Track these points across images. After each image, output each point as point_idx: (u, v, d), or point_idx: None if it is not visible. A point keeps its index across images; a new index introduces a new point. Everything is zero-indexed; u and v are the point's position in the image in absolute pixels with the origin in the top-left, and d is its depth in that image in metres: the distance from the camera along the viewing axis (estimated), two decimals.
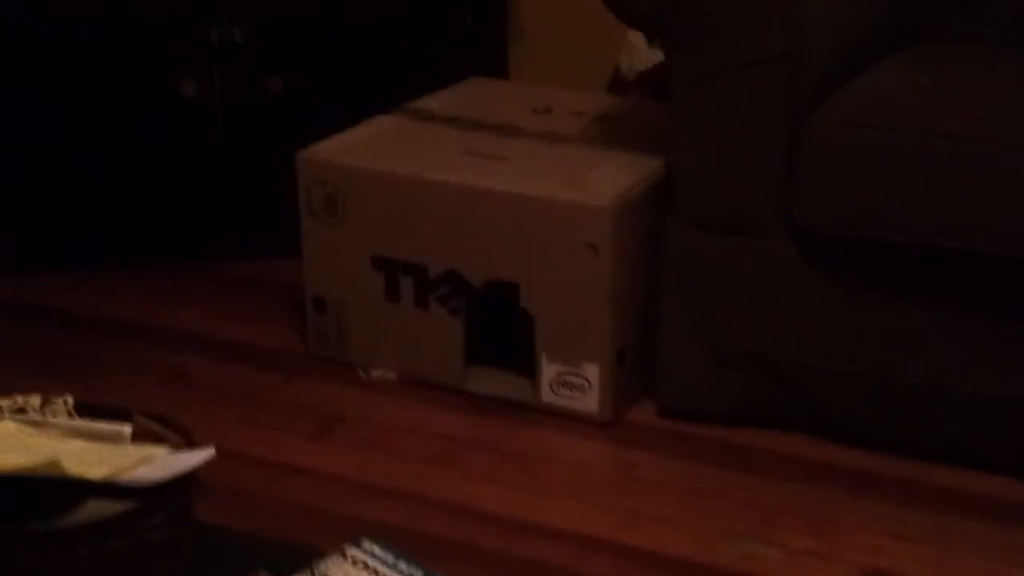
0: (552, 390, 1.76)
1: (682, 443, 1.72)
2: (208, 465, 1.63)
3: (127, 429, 0.96)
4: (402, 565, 0.92)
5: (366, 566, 0.92)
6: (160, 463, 0.90)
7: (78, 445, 0.93)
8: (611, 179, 1.73)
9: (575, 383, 1.75)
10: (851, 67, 1.69)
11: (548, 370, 1.76)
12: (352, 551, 0.93)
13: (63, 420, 0.96)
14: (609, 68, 2.39)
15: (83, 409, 0.97)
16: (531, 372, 1.77)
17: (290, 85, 2.19)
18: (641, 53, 2.29)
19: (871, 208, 1.56)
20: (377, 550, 0.93)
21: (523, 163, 1.80)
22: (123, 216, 2.23)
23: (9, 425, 0.96)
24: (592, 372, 1.73)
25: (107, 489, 0.87)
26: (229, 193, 2.24)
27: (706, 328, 1.70)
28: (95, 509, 0.86)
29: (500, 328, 1.80)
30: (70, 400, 0.99)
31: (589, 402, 1.75)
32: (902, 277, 1.60)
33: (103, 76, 2.15)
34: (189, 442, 0.93)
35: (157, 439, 0.95)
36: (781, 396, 1.70)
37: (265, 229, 2.22)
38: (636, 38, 2.29)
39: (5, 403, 0.98)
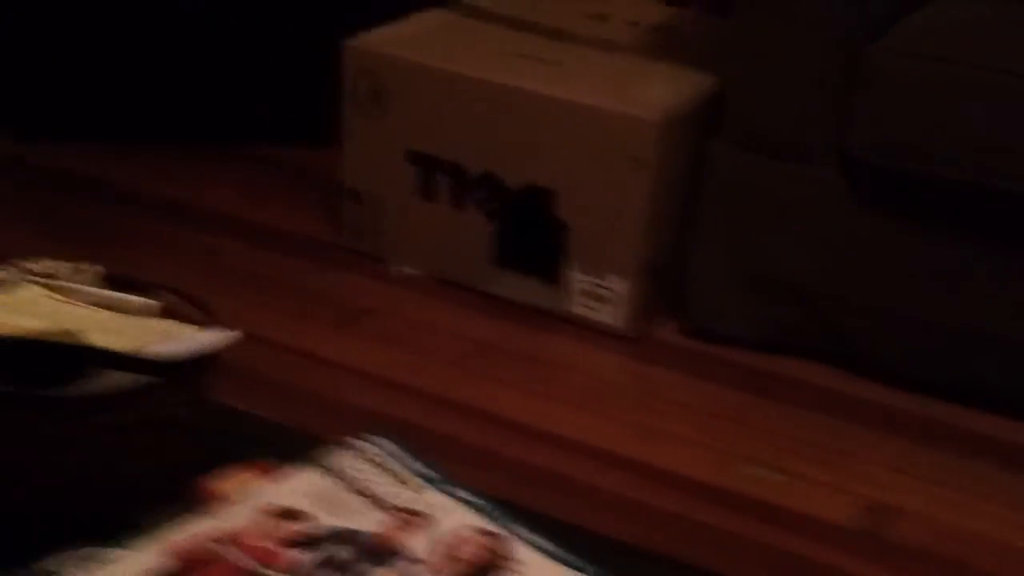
0: (579, 300, 1.75)
1: (705, 364, 1.71)
2: (230, 347, 1.66)
3: (156, 304, 0.95)
4: (409, 460, 0.92)
5: (372, 458, 0.91)
6: (183, 341, 0.90)
7: (103, 315, 0.93)
8: (661, 93, 1.70)
9: (602, 295, 1.73)
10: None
11: (576, 280, 1.74)
12: (360, 442, 0.92)
13: (91, 289, 0.96)
14: None
15: (113, 280, 0.97)
16: (559, 281, 1.76)
17: None
18: None
19: (924, 142, 1.52)
20: (385, 443, 0.92)
21: (572, 69, 1.77)
22: (166, 90, 2.21)
23: (35, 289, 0.95)
24: (620, 285, 1.71)
25: (127, 361, 0.87)
26: (274, 76, 2.22)
27: (742, 251, 1.68)
28: (113, 380, 0.86)
29: (532, 234, 1.78)
30: (101, 270, 0.98)
31: (614, 315, 1.73)
32: (949, 215, 1.57)
33: None
34: (215, 323, 0.93)
35: (183, 317, 0.94)
36: (811, 326, 1.68)
37: (308, 116, 2.20)
38: None
39: (35, 267, 0.97)
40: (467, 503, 0.88)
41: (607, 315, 1.74)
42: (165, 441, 0.89)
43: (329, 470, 0.88)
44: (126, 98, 2.22)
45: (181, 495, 0.87)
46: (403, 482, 0.88)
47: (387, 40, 1.84)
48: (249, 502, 0.87)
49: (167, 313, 0.94)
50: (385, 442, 0.92)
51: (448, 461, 1.47)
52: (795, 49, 1.59)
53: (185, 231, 1.98)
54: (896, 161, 1.54)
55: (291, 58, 2.20)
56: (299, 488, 0.88)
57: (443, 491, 0.89)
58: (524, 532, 0.86)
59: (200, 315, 0.93)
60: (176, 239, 1.95)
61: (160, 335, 0.89)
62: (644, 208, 1.67)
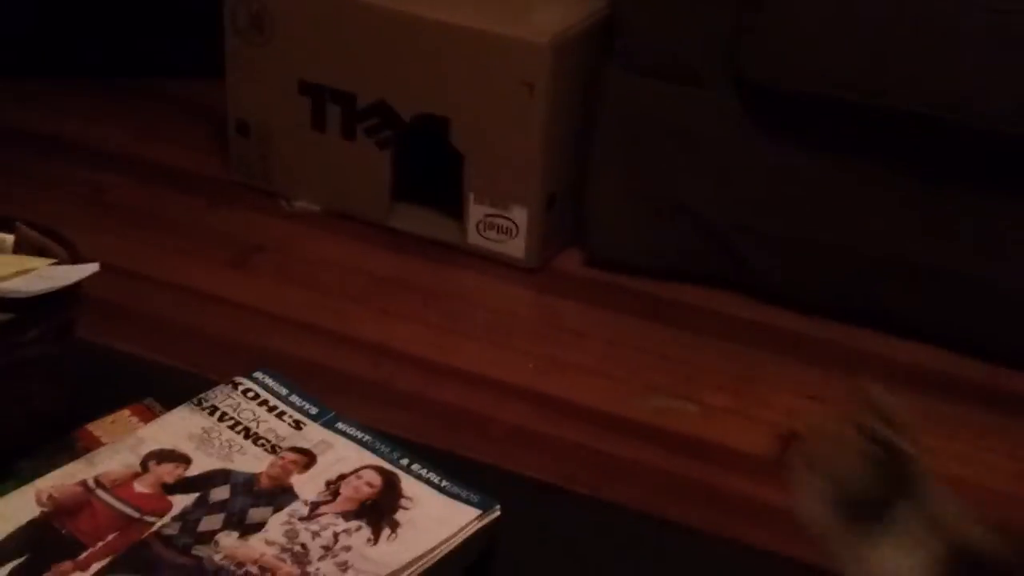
0: (479, 232, 1.72)
1: (608, 294, 1.69)
2: (111, 286, 1.59)
3: (8, 238, 0.89)
4: (295, 398, 0.88)
5: (256, 396, 0.87)
6: (39, 276, 0.84)
7: None
8: (554, 16, 1.65)
9: (502, 225, 1.70)
10: None
11: (475, 211, 1.70)
12: (244, 382, 0.88)
13: None
14: None
15: None
16: (458, 213, 1.72)
17: None
18: None
19: (817, 62, 1.50)
20: (270, 381, 0.89)
21: None
22: (48, 24, 2.12)
23: None
24: (520, 215, 1.68)
25: None
26: (160, 6, 2.13)
27: (641, 179, 1.66)
28: None
29: (428, 165, 1.74)
30: None
31: (515, 246, 1.70)
32: (848, 139, 1.56)
33: None
34: (74, 256, 0.87)
35: (40, 251, 0.88)
36: (714, 253, 1.67)
37: (196, 47, 2.11)
38: None
39: None
40: (354, 439, 0.85)
41: (508, 246, 1.71)
42: (31, 383, 0.84)
43: (211, 410, 0.85)
44: (7, 35, 2.11)
45: (54, 438, 0.83)
46: (288, 420, 0.85)
47: None
48: (125, 445, 0.83)
49: (24, 247, 0.88)
50: (269, 379, 0.88)
51: (346, 398, 1.42)
52: None
53: (69, 167, 1.90)
54: (791, 83, 1.52)
55: None
56: (179, 430, 0.84)
57: (329, 427, 0.86)
58: (413, 467, 0.83)
59: (59, 249, 0.88)
60: (59, 176, 1.88)
61: (15, 271, 0.84)
62: (539, 135, 1.64)
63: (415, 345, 1.55)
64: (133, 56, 2.15)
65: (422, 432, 1.39)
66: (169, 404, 0.87)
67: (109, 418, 0.88)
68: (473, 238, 1.72)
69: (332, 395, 1.42)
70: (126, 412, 0.89)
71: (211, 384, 0.88)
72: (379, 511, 0.80)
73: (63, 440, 0.85)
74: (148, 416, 0.88)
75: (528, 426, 1.43)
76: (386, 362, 1.52)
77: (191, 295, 1.62)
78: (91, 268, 0.85)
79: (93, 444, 0.85)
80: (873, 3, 1.46)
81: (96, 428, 0.86)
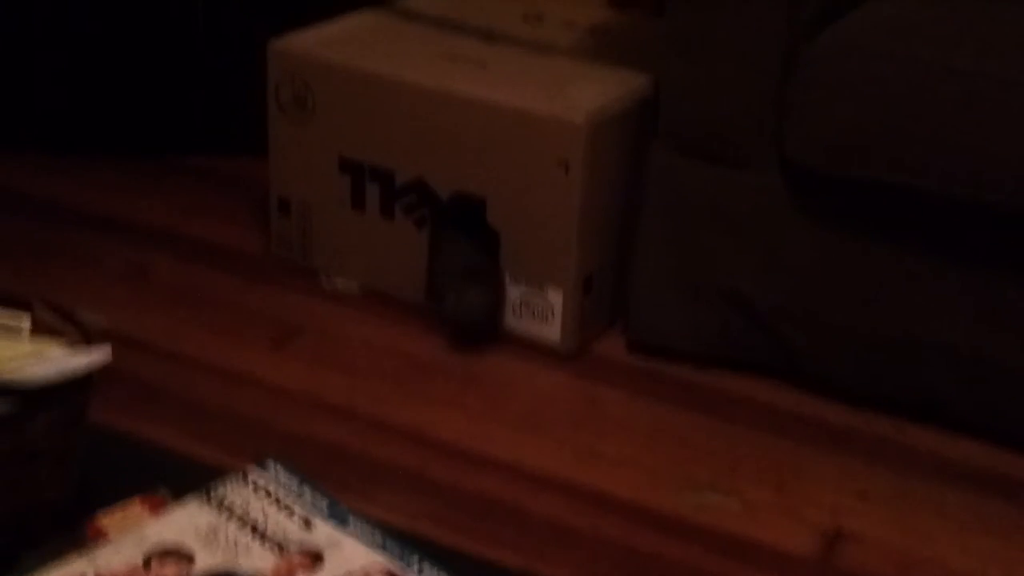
0: (514, 314, 1.68)
1: (649, 381, 1.64)
2: (148, 365, 1.59)
3: (25, 321, 0.88)
4: (306, 491, 0.85)
5: (267, 492, 0.85)
6: (50, 362, 0.82)
7: None
8: (591, 94, 1.63)
9: (538, 308, 1.66)
10: None
11: (511, 291, 1.67)
12: (255, 473, 0.85)
13: None
14: None
15: None
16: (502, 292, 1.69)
17: None
18: None
19: (864, 143, 1.46)
20: (282, 472, 0.86)
21: (502, 71, 1.70)
22: (94, 102, 2.14)
23: None
24: (556, 297, 1.65)
25: None
26: (205, 84, 2.14)
27: (684, 261, 1.62)
28: None
29: (466, 244, 1.71)
30: None
31: (551, 329, 1.66)
32: (892, 222, 1.51)
33: None
34: (87, 339, 0.85)
35: (55, 333, 0.86)
36: (758, 340, 1.62)
37: (241, 125, 2.12)
38: None
39: None
40: (364, 538, 0.81)
41: (544, 330, 1.67)
42: (40, 471, 0.81)
43: (220, 505, 0.82)
44: (50, 109, 2.14)
45: (63, 527, 0.81)
46: (297, 517, 0.82)
47: (312, 42, 1.77)
48: (130, 541, 0.80)
49: (41, 329, 0.87)
50: (282, 471, 0.85)
51: (378, 484, 1.41)
52: (730, 49, 1.53)
53: (112, 246, 1.90)
54: (835, 164, 1.48)
55: (222, 64, 2.13)
56: (185, 526, 0.81)
57: (339, 524, 0.82)
58: (424, 569, 0.79)
59: (73, 331, 0.86)
60: (103, 254, 1.88)
61: (28, 355, 0.82)
62: (575, 215, 1.61)
63: (450, 431, 1.52)
64: (176, 133, 2.17)
65: (453, 522, 1.36)
66: (181, 493, 0.85)
67: (119, 509, 0.86)
68: (509, 320, 1.69)
69: (363, 482, 1.41)
70: (136, 502, 0.87)
71: (224, 472, 0.85)
72: None
73: (72, 532, 0.83)
74: (159, 506, 0.85)
75: (562, 518, 1.38)
76: (420, 448, 1.48)
77: (227, 376, 1.60)
78: (102, 353, 0.83)
79: (101, 537, 0.82)
80: (919, 85, 1.43)
81: (105, 519, 0.84)
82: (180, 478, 0.87)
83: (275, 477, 0.86)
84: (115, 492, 0.86)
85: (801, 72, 1.48)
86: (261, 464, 0.87)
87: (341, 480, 1.41)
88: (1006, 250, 1.47)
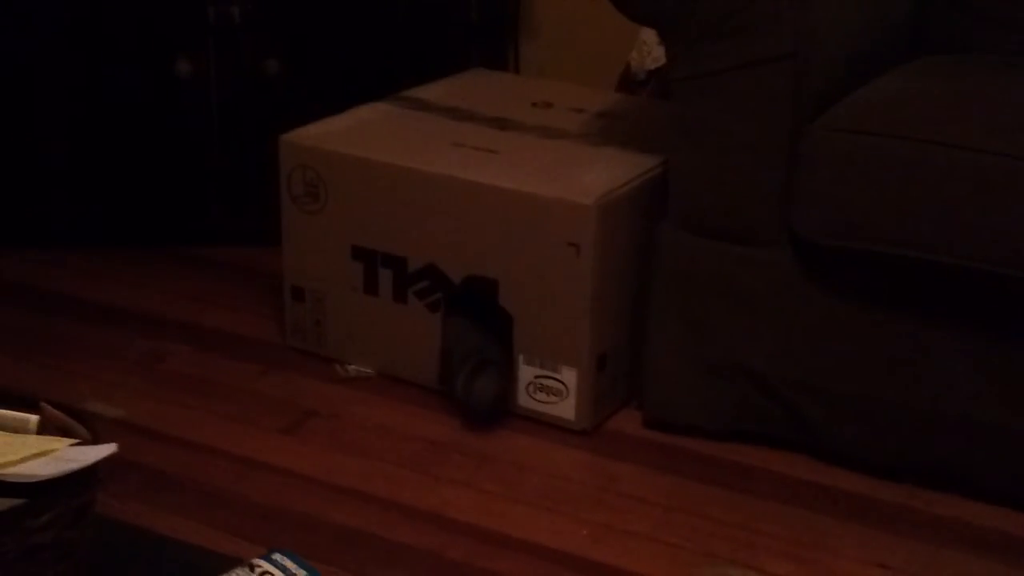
0: (529, 393, 1.69)
1: (665, 456, 1.64)
2: (163, 455, 1.60)
3: (33, 419, 0.89)
4: None
5: None
6: (56, 458, 0.83)
7: None
8: (601, 177, 1.65)
9: (552, 387, 1.67)
10: (862, 74, 1.61)
11: (525, 372, 1.68)
12: (262, 564, 0.86)
13: None
14: (621, 66, 2.32)
15: None
16: (511, 375, 1.70)
17: (287, 68, 2.13)
18: (652, 51, 2.21)
19: (871, 219, 1.47)
20: (288, 563, 0.86)
21: (512, 157, 1.73)
22: (110, 196, 2.18)
23: None
24: (570, 376, 1.65)
25: None
26: (220, 177, 2.18)
27: (696, 337, 1.62)
28: None
29: (479, 328, 1.72)
30: None
31: (566, 408, 1.67)
32: (904, 293, 1.52)
33: (95, 52, 2.10)
34: (95, 436, 0.86)
35: (63, 431, 0.88)
36: (773, 413, 1.62)
37: (255, 215, 2.15)
38: (648, 35, 2.22)
39: None
40: None
41: (559, 408, 1.68)
42: (45, 568, 0.82)
43: None
44: (68, 205, 2.18)
45: None
46: None
47: (322, 134, 1.80)
48: None
49: (49, 427, 0.88)
50: (288, 561, 0.85)
51: (395, 568, 1.41)
52: (735, 134, 1.55)
53: (128, 336, 1.93)
54: (844, 240, 1.49)
55: (235, 156, 2.17)
56: None
57: None
58: None
59: (81, 429, 0.87)
60: (117, 345, 1.90)
61: (34, 453, 0.83)
62: (587, 295, 1.62)
63: (466, 512, 1.51)
64: (191, 225, 2.20)
65: None
66: None
67: None
68: (524, 400, 1.70)
69: (381, 565, 1.41)
70: None
71: (232, 564, 0.86)
72: None
73: None
74: None
75: None
76: (437, 531, 1.48)
77: (242, 463, 1.61)
78: (108, 450, 0.84)
79: None
80: (924, 160, 1.44)
81: None
82: (189, 570, 0.87)
83: (282, 566, 0.86)
84: None
85: (806, 152, 1.50)
86: (268, 555, 0.87)
87: (358, 564, 1.41)
88: (1017, 320, 1.47)
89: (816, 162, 1.50)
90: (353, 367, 1.82)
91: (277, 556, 0.86)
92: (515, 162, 1.71)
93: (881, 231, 1.47)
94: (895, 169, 1.46)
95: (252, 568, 0.86)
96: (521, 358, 1.68)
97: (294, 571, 0.86)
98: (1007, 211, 1.41)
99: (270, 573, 0.85)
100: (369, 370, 1.81)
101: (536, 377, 1.68)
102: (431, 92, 1.97)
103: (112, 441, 1.56)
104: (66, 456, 0.84)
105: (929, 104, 1.52)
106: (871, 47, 1.67)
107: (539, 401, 1.68)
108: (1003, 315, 1.48)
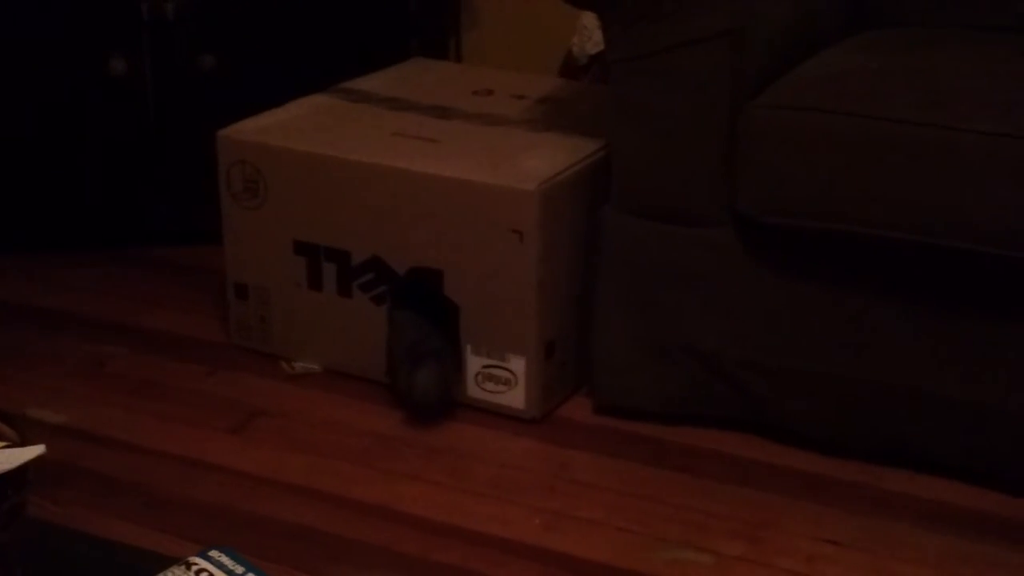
0: (477, 383, 1.67)
1: (616, 442, 1.63)
2: (108, 459, 1.57)
3: None
4: None
5: None
6: None
7: None
8: (543, 163, 1.64)
9: (501, 377, 1.66)
10: (803, 50, 1.61)
11: (473, 362, 1.67)
12: (198, 562, 0.84)
13: None
14: (563, 52, 2.31)
15: None
16: (457, 366, 1.68)
17: (223, 63, 2.10)
18: (593, 35, 2.20)
19: (812, 196, 1.47)
20: (226, 559, 0.84)
21: (453, 145, 1.71)
22: (46, 199, 2.14)
23: None
24: (518, 365, 1.64)
25: None
26: (160, 176, 2.15)
27: (644, 321, 1.62)
28: None
29: (424, 320, 1.71)
30: None
31: (515, 397, 1.66)
32: (849, 269, 1.52)
33: (26, 52, 2.06)
34: (23, 438, 0.84)
35: None
36: (723, 394, 1.61)
37: (195, 214, 2.12)
38: (589, 20, 2.21)
39: None
40: None
41: (508, 398, 1.66)
42: None
43: None
44: (3, 210, 2.13)
45: None
46: None
47: (260, 128, 1.78)
48: None
49: None
50: (226, 558, 0.83)
51: (346, 564, 1.39)
52: (675, 114, 1.54)
53: (68, 341, 1.89)
54: (787, 217, 1.49)
55: (173, 155, 2.14)
56: None
57: None
58: None
59: (7, 431, 0.85)
60: (60, 350, 1.87)
61: None
62: (532, 282, 1.61)
63: (418, 505, 1.50)
64: (130, 226, 2.17)
65: None
66: None
67: None
68: (473, 390, 1.68)
69: (331, 561, 1.39)
70: None
71: (163, 563, 0.84)
72: None
73: None
74: None
75: None
76: (388, 525, 1.46)
77: (188, 465, 1.58)
78: (36, 451, 0.82)
79: None
80: (863, 135, 1.44)
81: None
82: (125, 570, 0.85)
83: (219, 563, 0.84)
84: None
85: (746, 130, 1.49)
86: (204, 552, 0.85)
87: (310, 562, 1.39)
88: (961, 290, 1.48)
89: (757, 140, 1.49)
90: (300, 364, 1.80)
91: (214, 553, 0.84)
92: (456, 151, 1.69)
93: (823, 208, 1.47)
94: (835, 145, 1.46)
95: (189, 566, 0.84)
96: (468, 348, 1.67)
97: (231, 567, 0.84)
98: (947, 184, 1.41)
99: (207, 571, 0.83)
100: (316, 366, 1.79)
101: (484, 367, 1.66)
102: (370, 83, 1.95)
103: (51, 446, 1.53)
104: None
105: (868, 79, 1.51)
106: (811, 22, 1.67)
107: (488, 391, 1.67)
108: (947, 287, 1.48)
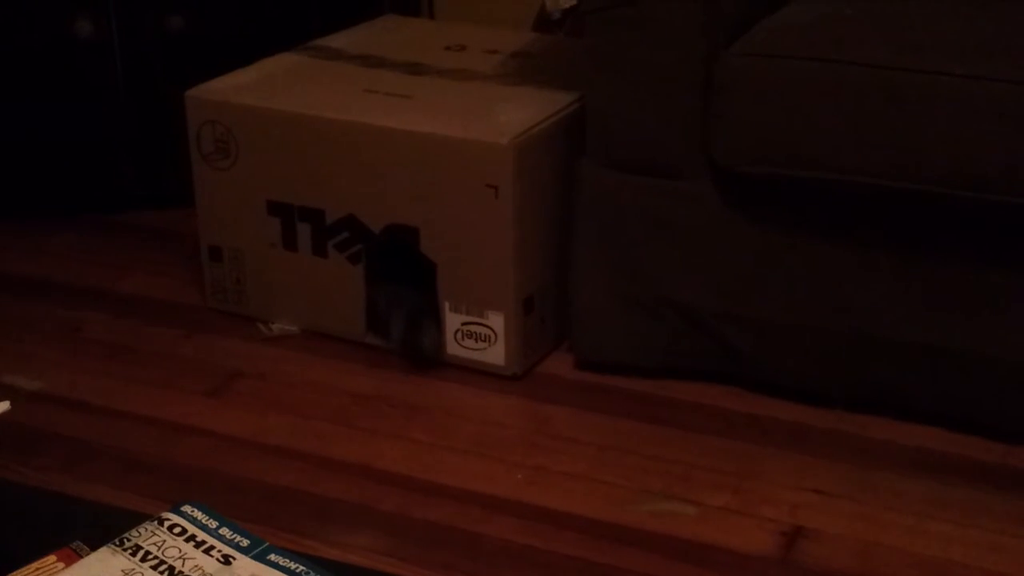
0: (457, 341, 1.66)
1: (597, 396, 1.63)
2: (85, 424, 1.55)
3: None
4: (225, 530, 0.82)
5: (184, 532, 0.82)
6: None
7: None
8: (517, 117, 1.62)
9: (480, 333, 1.64)
10: None
11: (451, 320, 1.65)
12: (171, 517, 0.82)
13: None
14: (536, 7, 2.28)
15: None
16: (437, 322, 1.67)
17: (191, 23, 2.07)
18: None
19: (788, 143, 1.46)
20: (199, 514, 0.83)
21: (425, 101, 1.69)
22: (16, 165, 2.11)
23: None
24: (497, 321, 1.63)
25: None
26: (131, 140, 2.12)
27: (623, 275, 1.60)
28: None
29: (403, 277, 1.69)
30: None
31: (495, 354, 1.64)
32: (827, 219, 1.51)
33: None
34: None
35: None
36: (704, 346, 1.61)
37: (170, 177, 2.09)
38: None
39: None
40: (286, 571, 0.78)
41: (487, 354, 1.65)
42: None
43: (134, 550, 0.79)
44: None
45: None
46: (216, 555, 0.79)
47: (230, 88, 1.75)
48: None
49: None
50: (199, 512, 0.82)
51: (328, 523, 1.38)
52: (650, 64, 1.52)
53: (44, 307, 1.87)
54: (763, 166, 1.48)
55: (146, 118, 2.11)
56: (98, 573, 0.78)
57: (261, 559, 0.79)
58: None
59: None
60: (36, 315, 1.85)
61: None
62: (509, 237, 1.59)
63: (398, 464, 1.49)
64: (103, 191, 2.14)
65: (407, 554, 1.34)
66: (98, 545, 0.82)
67: (33, 566, 0.83)
68: (452, 348, 1.67)
69: (314, 521, 1.38)
70: (52, 558, 0.83)
71: (139, 519, 0.82)
72: None
73: None
74: (74, 560, 0.82)
75: (518, 540, 1.36)
76: (369, 483, 1.46)
77: (166, 427, 1.57)
78: (2, 407, 0.80)
79: None
80: (839, 81, 1.42)
81: None
82: (97, 529, 0.83)
83: (192, 518, 0.83)
84: (33, 550, 0.83)
85: (721, 79, 1.48)
86: (177, 507, 0.84)
87: (291, 522, 1.38)
88: (940, 236, 1.47)
89: (732, 89, 1.48)
90: (277, 325, 1.78)
91: (187, 508, 0.83)
92: (429, 106, 1.67)
93: (799, 155, 1.46)
94: (811, 92, 1.44)
95: (161, 522, 0.82)
96: (447, 305, 1.65)
97: (205, 522, 0.83)
98: (923, 128, 1.39)
99: (180, 525, 0.82)
100: (293, 327, 1.78)
101: (463, 324, 1.65)
102: (341, 40, 1.92)
103: (26, 412, 1.51)
104: None
105: (842, 25, 1.50)
106: None
107: (468, 348, 1.66)
108: (926, 234, 1.48)
